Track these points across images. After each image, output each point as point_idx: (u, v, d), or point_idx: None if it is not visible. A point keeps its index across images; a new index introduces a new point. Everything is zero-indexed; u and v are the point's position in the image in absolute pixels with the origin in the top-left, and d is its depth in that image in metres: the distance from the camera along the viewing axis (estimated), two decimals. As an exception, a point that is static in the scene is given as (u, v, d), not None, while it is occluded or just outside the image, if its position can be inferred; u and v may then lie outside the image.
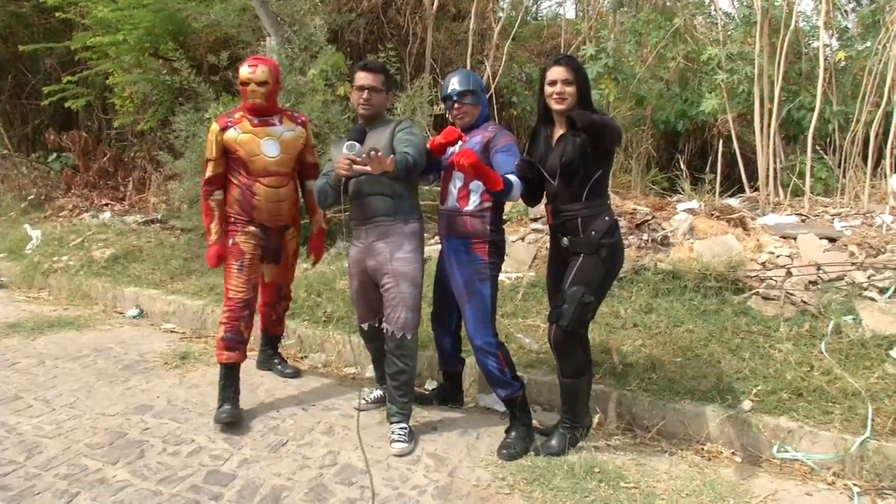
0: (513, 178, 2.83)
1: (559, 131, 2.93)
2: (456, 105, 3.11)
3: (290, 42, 6.38)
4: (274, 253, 3.63)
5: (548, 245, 4.71)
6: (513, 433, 3.10)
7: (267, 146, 3.41)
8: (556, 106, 2.87)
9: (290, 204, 3.58)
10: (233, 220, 3.46)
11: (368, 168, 2.78)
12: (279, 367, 4.03)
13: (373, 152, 2.74)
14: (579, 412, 3.08)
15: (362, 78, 3.13)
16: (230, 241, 3.43)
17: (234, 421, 3.19)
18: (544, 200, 3.09)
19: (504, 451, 3.01)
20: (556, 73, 2.86)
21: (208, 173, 3.43)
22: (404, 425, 3.14)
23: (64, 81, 8.47)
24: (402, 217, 3.12)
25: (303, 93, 5.80)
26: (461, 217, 3.08)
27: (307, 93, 5.82)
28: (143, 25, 7.25)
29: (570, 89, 2.83)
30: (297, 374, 4.00)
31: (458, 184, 3.10)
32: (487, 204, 3.06)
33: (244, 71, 3.38)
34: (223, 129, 3.37)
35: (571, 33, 8.38)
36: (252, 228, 3.44)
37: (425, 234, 5.78)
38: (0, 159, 9.78)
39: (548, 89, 2.88)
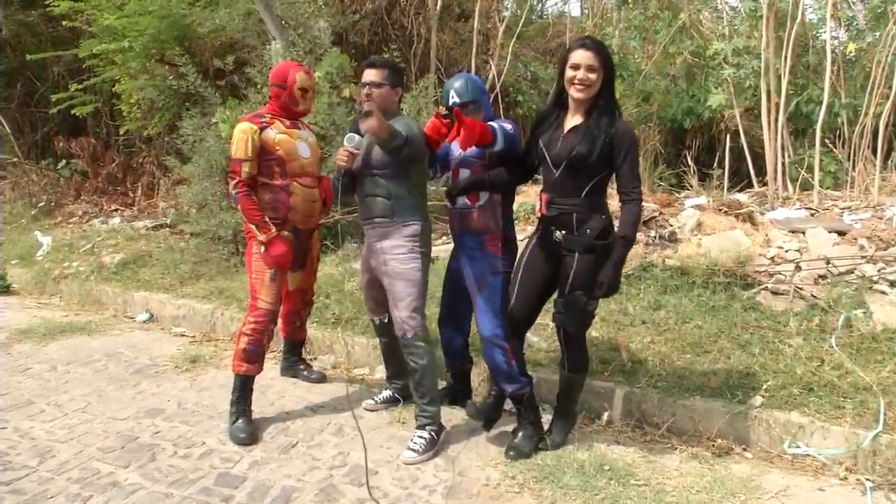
0: (494, 123, 2.85)
1: (573, 118, 2.80)
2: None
3: (295, 45, 6.40)
4: (300, 259, 3.61)
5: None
6: (520, 433, 3.05)
7: (301, 147, 3.41)
8: (577, 94, 2.70)
9: (321, 205, 3.58)
10: None
11: (373, 123, 2.77)
12: (304, 372, 3.99)
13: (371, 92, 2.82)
14: (574, 405, 3.13)
15: (364, 74, 3.18)
16: (262, 249, 3.29)
17: (252, 441, 3.12)
18: (536, 188, 3.04)
19: (511, 452, 2.97)
20: (581, 57, 2.67)
21: (245, 174, 3.24)
22: (424, 434, 3.06)
23: (71, 89, 8.53)
24: (399, 218, 3.10)
25: (308, 95, 5.81)
26: (472, 213, 3.09)
27: (312, 95, 5.83)
28: (149, 32, 7.28)
29: (594, 76, 2.67)
30: (322, 378, 3.96)
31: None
32: (497, 197, 3.09)
33: (303, 78, 3.40)
34: (261, 130, 3.30)
35: (577, 31, 8.36)
36: (284, 233, 3.36)
37: (433, 235, 5.78)
38: (10, 167, 9.85)
39: (569, 73, 2.70)
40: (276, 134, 3.34)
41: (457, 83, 3.09)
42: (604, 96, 2.74)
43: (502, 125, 2.91)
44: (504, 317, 3.03)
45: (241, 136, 3.26)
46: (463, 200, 3.11)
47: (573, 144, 2.73)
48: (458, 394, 3.63)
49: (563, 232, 2.83)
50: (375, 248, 3.15)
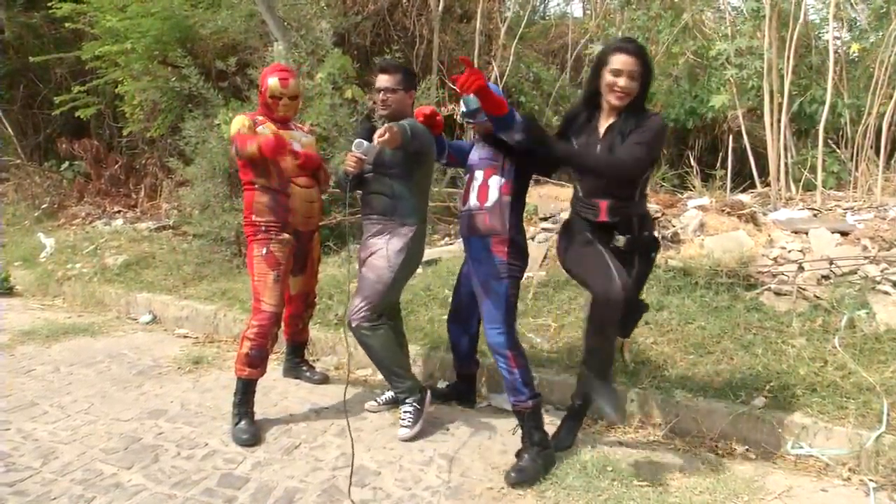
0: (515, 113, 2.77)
1: (607, 119, 2.70)
2: (470, 124, 3.11)
3: (297, 46, 6.41)
4: (301, 262, 3.61)
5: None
6: (525, 456, 2.87)
7: (294, 147, 3.39)
8: (616, 101, 2.61)
9: (319, 205, 3.58)
10: (264, 228, 3.34)
11: (386, 138, 2.76)
12: (307, 374, 4.00)
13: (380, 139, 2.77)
14: (587, 408, 3.13)
15: (378, 80, 3.19)
16: (264, 250, 3.30)
17: (255, 443, 3.13)
18: (578, 193, 2.82)
19: (513, 475, 2.79)
20: (623, 62, 2.55)
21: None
22: (408, 408, 3.25)
23: (74, 91, 8.54)
24: (399, 218, 3.19)
25: (310, 96, 5.82)
26: (480, 214, 3.04)
27: (315, 96, 5.85)
28: (152, 33, 7.28)
29: (635, 84, 2.58)
30: (325, 379, 3.97)
31: (478, 182, 3.08)
32: (507, 198, 3.00)
33: (275, 84, 3.32)
34: (255, 124, 3.33)
35: (579, 32, 8.36)
36: (285, 236, 3.36)
37: (434, 236, 5.78)
38: (13, 168, 9.86)
39: (609, 78, 2.59)
40: (269, 132, 3.34)
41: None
42: (637, 96, 2.65)
43: (518, 115, 2.83)
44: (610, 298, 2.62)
45: (237, 123, 3.30)
46: (473, 202, 3.06)
47: (610, 148, 2.62)
48: (460, 394, 3.63)
49: (628, 236, 2.73)
50: (369, 243, 3.24)
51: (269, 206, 3.35)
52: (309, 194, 3.46)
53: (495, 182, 3.02)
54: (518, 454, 2.92)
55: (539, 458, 2.85)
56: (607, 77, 2.60)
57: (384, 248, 3.18)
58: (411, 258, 3.24)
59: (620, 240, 2.72)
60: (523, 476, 2.78)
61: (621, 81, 2.57)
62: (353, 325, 3.19)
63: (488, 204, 3.03)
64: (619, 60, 2.57)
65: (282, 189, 3.35)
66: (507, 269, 3.01)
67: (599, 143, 2.68)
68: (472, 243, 3.10)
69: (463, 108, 3.10)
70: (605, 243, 2.73)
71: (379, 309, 3.20)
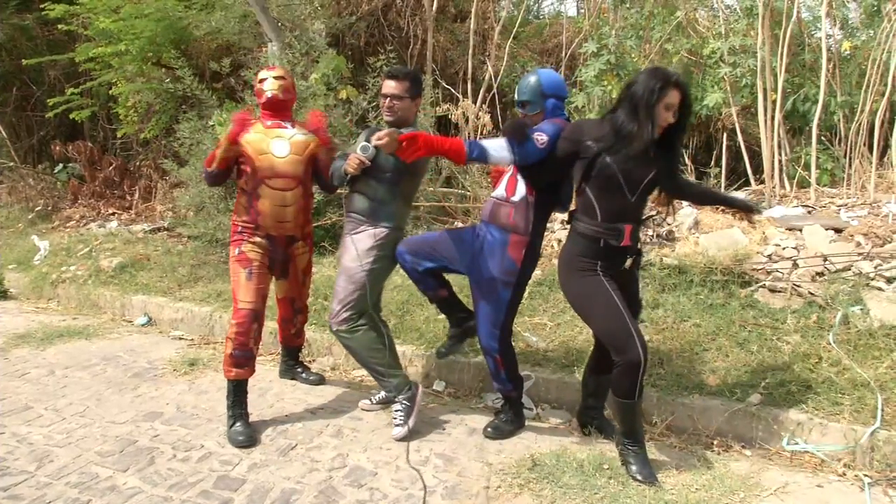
0: (486, 142, 2.70)
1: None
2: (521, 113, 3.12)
3: (291, 47, 6.40)
4: (282, 266, 3.57)
5: (552, 243, 4.71)
6: (501, 416, 3.27)
7: (276, 145, 3.35)
8: (657, 135, 2.62)
9: (297, 210, 3.44)
10: (240, 229, 3.39)
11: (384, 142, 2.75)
12: (302, 375, 4.00)
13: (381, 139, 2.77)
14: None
15: (385, 86, 3.19)
16: (236, 251, 3.35)
17: (251, 444, 3.12)
18: (597, 217, 2.74)
19: (489, 430, 3.22)
20: (677, 98, 2.59)
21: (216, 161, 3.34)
22: (398, 407, 3.26)
23: (68, 93, 8.51)
24: (373, 221, 3.22)
25: (304, 97, 5.81)
26: (505, 206, 3.02)
27: (309, 97, 5.84)
28: (145, 35, 7.26)
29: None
30: (321, 380, 3.97)
31: (510, 172, 3.08)
32: (530, 199, 2.97)
33: (263, 71, 3.48)
34: (242, 127, 3.36)
35: (573, 30, 8.36)
36: (258, 239, 3.37)
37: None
38: (7, 171, 9.83)
39: (663, 113, 2.59)
40: (249, 133, 3.35)
41: (528, 77, 3.06)
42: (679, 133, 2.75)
43: (489, 143, 2.74)
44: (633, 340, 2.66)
45: (223, 135, 3.42)
46: (501, 191, 3.07)
47: (651, 167, 2.67)
48: (454, 320, 3.34)
49: (634, 257, 2.83)
50: (345, 242, 3.28)
51: (244, 207, 3.40)
52: (281, 197, 3.37)
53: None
54: (496, 413, 3.33)
55: (517, 421, 3.27)
56: (663, 112, 2.59)
57: (353, 248, 3.21)
58: (383, 257, 3.22)
59: (629, 262, 2.81)
60: (498, 432, 3.21)
61: (671, 117, 2.61)
62: (333, 329, 3.26)
63: (515, 198, 3.00)
64: (675, 96, 2.58)
65: (252, 190, 3.36)
66: (517, 276, 3.01)
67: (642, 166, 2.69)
68: (491, 232, 3.05)
69: (516, 96, 3.10)
70: (613, 270, 2.77)
71: (356, 310, 3.21)
